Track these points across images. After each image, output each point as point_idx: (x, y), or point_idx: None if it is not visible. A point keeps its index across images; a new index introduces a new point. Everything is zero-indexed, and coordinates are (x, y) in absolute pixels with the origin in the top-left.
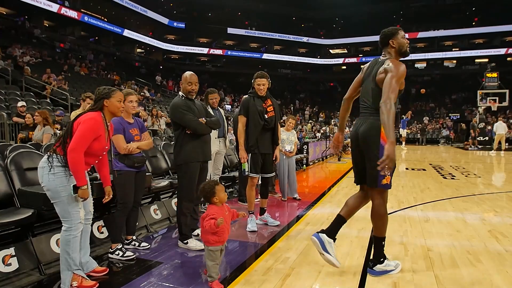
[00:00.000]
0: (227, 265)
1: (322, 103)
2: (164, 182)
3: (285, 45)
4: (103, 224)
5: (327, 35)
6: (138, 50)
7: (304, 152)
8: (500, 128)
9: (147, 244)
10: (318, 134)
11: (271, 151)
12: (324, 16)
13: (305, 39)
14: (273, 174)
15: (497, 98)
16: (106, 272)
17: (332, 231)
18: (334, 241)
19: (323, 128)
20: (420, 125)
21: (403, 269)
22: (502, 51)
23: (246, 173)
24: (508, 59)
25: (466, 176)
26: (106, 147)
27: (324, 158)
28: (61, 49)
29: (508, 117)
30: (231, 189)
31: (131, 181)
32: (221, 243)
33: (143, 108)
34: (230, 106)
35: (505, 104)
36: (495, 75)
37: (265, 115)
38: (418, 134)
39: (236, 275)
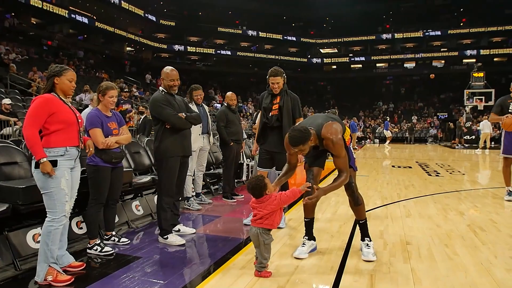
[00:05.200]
0: (205, 260)
1: (312, 102)
2: (146, 178)
3: (276, 44)
4: (82, 220)
5: (318, 34)
6: (128, 48)
7: None
8: (485, 127)
9: (127, 240)
10: None
11: (279, 150)
12: (314, 15)
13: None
14: None
15: (483, 97)
16: (82, 267)
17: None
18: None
19: None
20: (408, 124)
21: (380, 261)
22: (488, 51)
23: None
24: (495, 59)
25: (450, 173)
26: (77, 115)
27: None
28: (48, 47)
29: None
30: (216, 186)
31: (107, 177)
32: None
33: (130, 105)
34: (220, 105)
35: (491, 103)
36: (481, 75)
37: (270, 113)
38: (407, 133)
39: (214, 269)
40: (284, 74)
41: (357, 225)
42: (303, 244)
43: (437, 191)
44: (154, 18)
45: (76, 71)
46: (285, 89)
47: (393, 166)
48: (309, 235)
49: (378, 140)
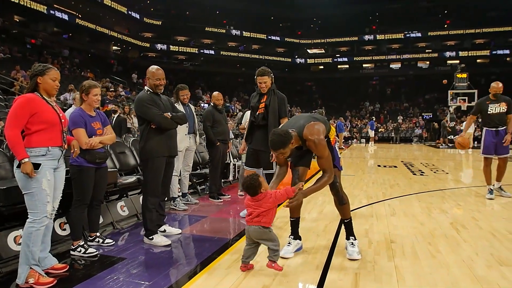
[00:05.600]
0: (191, 260)
1: (299, 102)
2: (131, 179)
3: (263, 44)
4: (66, 221)
5: (305, 35)
6: (114, 47)
7: None
8: (469, 127)
9: (112, 241)
10: None
11: (264, 148)
12: (301, 16)
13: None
14: (270, 171)
15: (466, 98)
16: (66, 269)
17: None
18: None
19: None
20: (394, 124)
21: (364, 260)
22: (472, 53)
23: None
24: (478, 60)
25: (434, 172)
26: (61, 115)
27: None
28: (32, 45)
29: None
30: (202, 186)
31: (91, 178)
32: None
33: (115, 105)
34: (207, 105)
35: (474, 104)
36: (464, 75)
37: (257, 112)
38: (392, 133)
39: (200, 269)
40: (271, 74)
41: (342, 224)
42: (289, 243)
43: (421, 190)
44: (140, 17)
45: (61, 70)
46: (272, 89)
47: (379, 166)
48: (295, 234)
49: (364, 140)
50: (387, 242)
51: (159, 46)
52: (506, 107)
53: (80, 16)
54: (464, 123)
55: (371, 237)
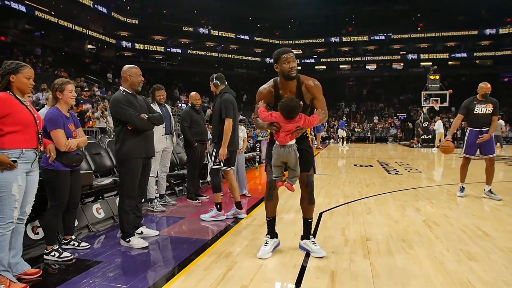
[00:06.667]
0: (169, 262)
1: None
2: (107, 180)
3: (241, 44)
4: (39, 225)
5: (283, 35)
6: (89, 46)
7: (257, 150)
8: (440, 126)
9: (88, 244)
10: None
11: (215, 142)
12: (279, 17)
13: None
14: (220, 167)
15: (438, 98)
16: (39, 274)
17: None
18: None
19: None
20: (370, 124)
21: (341, 258)
22: (444, 55)
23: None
24: (450, 62)
25: (409, 171)
26: (36, 115)
27: None
28: (1, 43)
29: (449, 117)
30: (180, 187)
31: (67, 182)
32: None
33: (90, 105)
34: (184, 105)
35: (446, 104)
36: (437, 77)
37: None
38: (368, 133)
39: (177, 271)
40: (214, 80)
41: (305, 223)
42: (266, 243)
43: (396, 188)
44: (116, 15)
45: (33, 69)
46: (222, 93)
47: (355, 165)
48: (272, 233)
49: (341, 140)
50: (363, 240)
51: (136, 45)
52: (492, 108)
53: (53, 13)
54: (437, 122)
55: (348, 236)
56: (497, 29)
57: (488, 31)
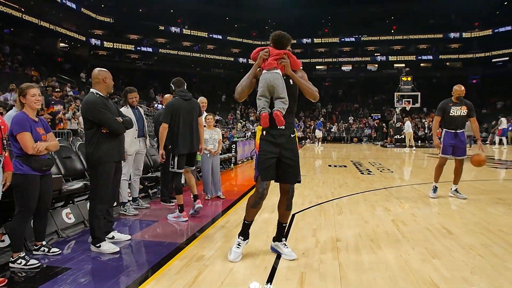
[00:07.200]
0: (140, 267)
1: (253, 103)
2: (77, 184)
3: (218, 44)
4: (4, 232)
5: (260, 36)
6: (61, 44)
7: (233, 151)
8: (409, 127)
9: (58, 250)
10: (248, 133)
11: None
12: (256, 17)
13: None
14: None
15: (411, 99)
16: (4, 283)
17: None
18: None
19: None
20: (345, 124)
21: (311, 259)
22: (415, 57)
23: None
24: (421, 64)
25: (381, 171)
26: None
27: (253, 156)
28: None
29: (421, 117)
30: (154, 190)
31: (36, 186)
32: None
33: (62, 106)
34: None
35: (417, 105)
36: (409, 79)
37: None
38: (344, 133)
39: (148, 276)
40: (173, 88)
41: (280, 227)
42: (239, 245)
43: (367, 188)
44: (91, 13)
45: (1, 68)
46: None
47: (330, 166)
48: (245, 235)
49: (318, 140)
50: (333, 240)
51: (111, 44)
52: (466, 110)
53: (23, 10)
54: (406, 123)
55: (319, 237)
56: (462, 33)
57: (457, 35)
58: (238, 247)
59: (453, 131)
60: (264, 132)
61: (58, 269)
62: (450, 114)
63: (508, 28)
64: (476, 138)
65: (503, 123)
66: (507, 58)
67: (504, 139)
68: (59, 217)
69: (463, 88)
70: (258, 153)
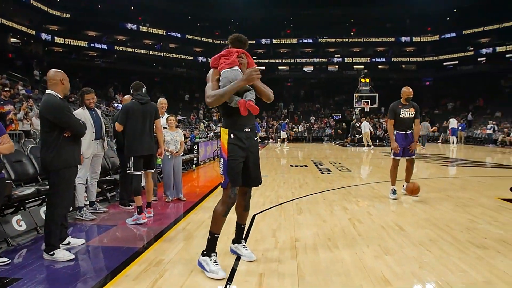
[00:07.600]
0: (96, 274)
1: None
2: (29, 190)
3: (181, 43)
4: None
5: (223, 35)
6: (12, 39)
7: (195, 152)
8: (366, 127)
9: (7, 259)
10: (211, 134)
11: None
12: (219, 16)
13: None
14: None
15: (369, 100)
16: None
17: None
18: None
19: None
20: (307, 124)
21: (270, 260)
22: (374, 59)
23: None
24: (379, 66)
25: (340, 170)
26: None
27: (216, 157)
28: None
29: (379, 117)
30: (113, 193)
31: None
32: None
33: (12, 106)
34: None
35: (375, 106)
36: (367, 80)
37: None
38: (305, 133)
39: (105, 283)
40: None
41: (238, 228)
42: (215, 261)
43: (327, 188)
44: (44, 7)
45: None
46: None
47: (291, 165)
48: (214, 249)
49: (282, 140)
50: (292, 240)
51: (67, 40)
52: (414, 112)
53: None
54: (363, 123)
55: (278, 237)
56: (416, 37)
57: (411, 39)
58: (216, 264)
59: (403, 132)
60: (232, 136)
61: (7, 280)
62: (400, 115)
63: (453, 34)
64: (414, 140)
65: (452, 123)
66: (456, 62)
67: (454, 138)
68: (9, 225)
69: (411, 90)
70: (227, 158)
